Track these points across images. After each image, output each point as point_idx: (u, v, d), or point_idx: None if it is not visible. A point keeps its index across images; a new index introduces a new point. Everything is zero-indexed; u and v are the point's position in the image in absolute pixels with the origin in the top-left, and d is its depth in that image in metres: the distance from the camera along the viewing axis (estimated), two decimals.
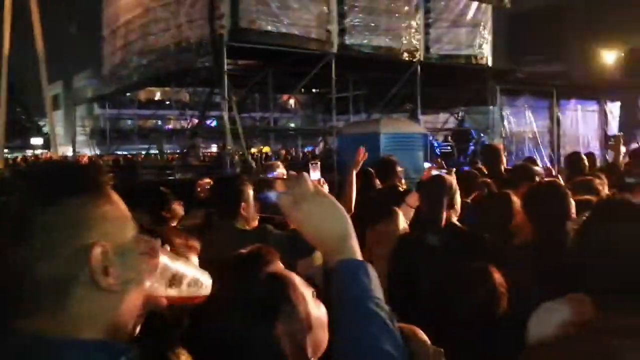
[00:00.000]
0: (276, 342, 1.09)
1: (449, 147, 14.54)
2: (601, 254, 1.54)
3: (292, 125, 22.57)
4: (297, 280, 1.20)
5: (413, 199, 3.68)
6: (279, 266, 1.23)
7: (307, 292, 1.19)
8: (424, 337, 1.59)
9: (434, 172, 3.81)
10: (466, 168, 6.16)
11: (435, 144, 14.24)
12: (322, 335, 1.17)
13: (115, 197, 0.93)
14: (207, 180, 4.08)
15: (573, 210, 3.04)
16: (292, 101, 22.37)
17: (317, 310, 1.18)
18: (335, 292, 1.09)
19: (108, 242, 0.87)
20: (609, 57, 18.91)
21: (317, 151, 17.55)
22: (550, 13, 20.38)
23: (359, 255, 1.14)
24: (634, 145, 9.48)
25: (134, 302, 0.93)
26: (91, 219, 0.88)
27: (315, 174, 3.40)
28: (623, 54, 17.72)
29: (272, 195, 1.16)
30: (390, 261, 3.24)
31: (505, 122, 13.43)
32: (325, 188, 3.23)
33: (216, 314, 1.12)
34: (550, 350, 1.50)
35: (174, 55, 12.41)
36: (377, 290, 1.10)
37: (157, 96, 34.78)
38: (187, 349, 1.12)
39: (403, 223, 3.47)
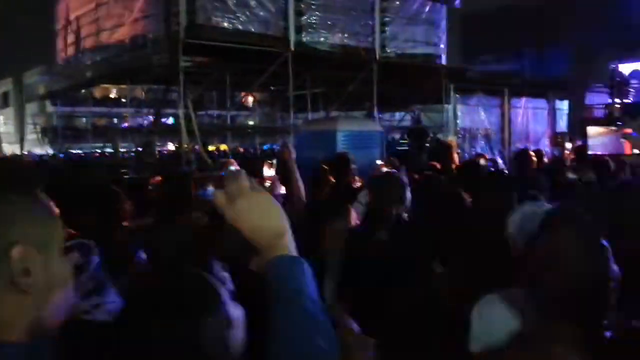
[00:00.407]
0: (201, 342, 1.09)
1: (406, 145, 14.74)
2: (548, 264, 1.59)
3: (251, 122, 22.48)
4: (214, 280, 1.19)
5: (365, 196, 3.74)
6: (206, 263, 1.23)
7: (224, 292, 1.18)
8: (355, 327, 1.64)
9: (384, 169, 3.88)
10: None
11: (392, 142, 14.44)
12: (239, 335, 1.17)
13: (43, 197, 0.91)
14: (160, 178, 4.05)
15: (515, 202, 3.18)
16: (250, 99, 22.25)
17: (235, 311, 1.17)
18: (270, 289, 1.09)
19: (30, 242, 0.85)
20: (560, 56, 19.49)
21: (275, 149, 17.52)
22: (503, 13, 20.88)
23: (294, 252, 1.14)
24: (579, 143, 9.82)
25: (57, 305, 0.90)
26: (13, 218, 0.85)
27: (269, 171, 3.43)
28: (572, 53, 18.32)
29: (208, 192, 1.16)
30: (342, 257, 3.30)
31: (459, 120, 13.73)
32: (278, 185, 3.27)
33: (140, 316, 1.10)
34: None
35: (129, 51, 12.20)
36: (312, 286, 1.11)
37: (113, 93, 34.04)
38: (113, 351, 1.10)
39: (355, 220, 3.52)
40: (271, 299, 1.09)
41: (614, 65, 16.44)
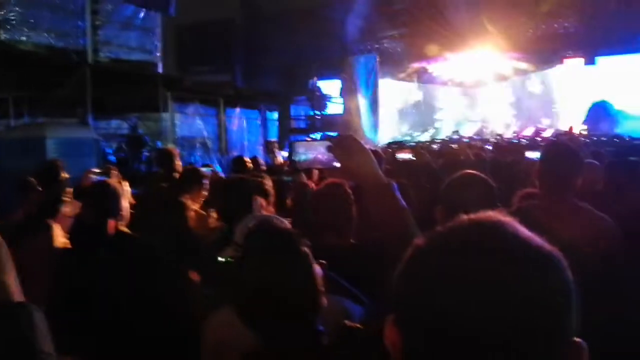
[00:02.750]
0: None
1: (123, 154, 14.29)
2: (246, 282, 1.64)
3: None
4: None
5: (71, 208, 3.51)
6: None
7: None
8: None
9: (94, 177, 3.75)
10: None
11: (109, 151, 13.89)
12: None
13: None
14: None
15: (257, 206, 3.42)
16: None
17: None
18: None
19: None
20: (268, 70, 21.05)
21: None
22: (216, 26, 21.55)
23: (16, 296, 0.94)
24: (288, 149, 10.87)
25: None
26: None
27: None
28: (278, 69, 20.04)
29: None
30: (53, 282, 2.92)
31: (177, 129, 13.87)
32: None
33: None
34: None
35: None
36: (44, 341, 0.89)
37: None
38: None
39: (60, 236, 3.23)
40: None
41: (313, 82, 18.57)
